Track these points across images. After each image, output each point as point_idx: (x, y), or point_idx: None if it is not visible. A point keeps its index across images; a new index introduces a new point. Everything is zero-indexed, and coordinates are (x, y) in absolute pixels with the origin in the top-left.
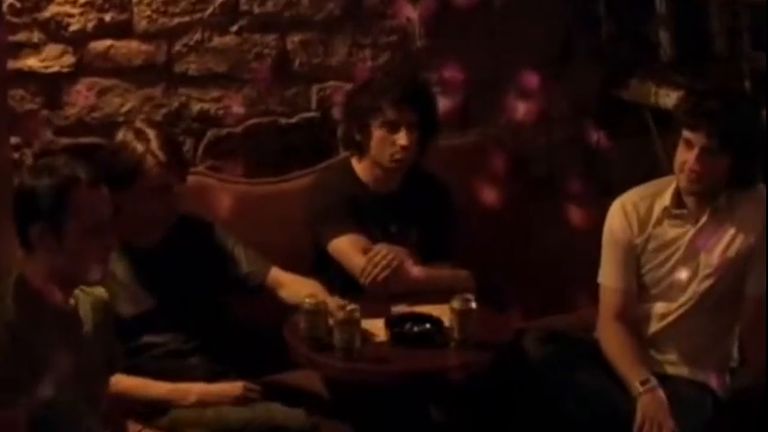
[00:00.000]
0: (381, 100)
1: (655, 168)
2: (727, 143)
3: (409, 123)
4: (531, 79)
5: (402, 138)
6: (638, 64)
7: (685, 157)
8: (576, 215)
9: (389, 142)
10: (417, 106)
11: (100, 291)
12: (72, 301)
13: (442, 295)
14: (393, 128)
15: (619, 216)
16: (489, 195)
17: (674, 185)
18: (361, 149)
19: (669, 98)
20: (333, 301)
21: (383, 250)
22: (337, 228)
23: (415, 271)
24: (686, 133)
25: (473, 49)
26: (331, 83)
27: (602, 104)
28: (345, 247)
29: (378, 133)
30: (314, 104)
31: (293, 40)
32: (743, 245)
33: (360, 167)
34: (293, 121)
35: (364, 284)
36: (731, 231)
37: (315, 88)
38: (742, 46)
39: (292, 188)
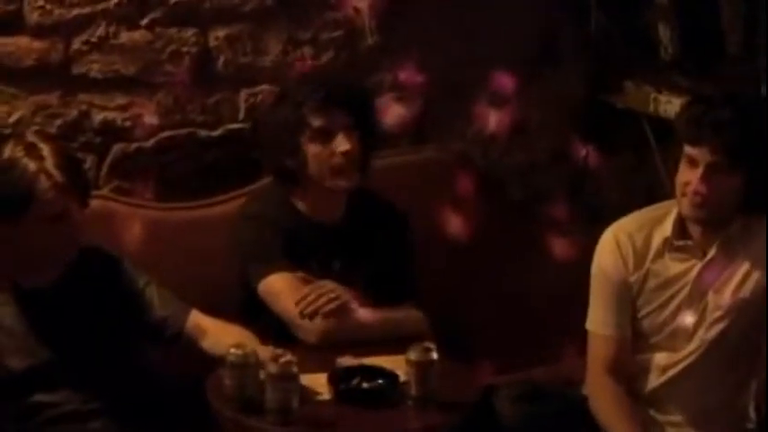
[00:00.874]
0: (304, 109)
1: (654, 190)
2: (738, 159)
3: (345, 126)
4: (506, 82)
5: (341, 143)
6: (634, 64)
7: (688, 176)
8: (559, 247)
9: (327, 154)
10: (349, 107)
11: None
12: None
13: (397, 344)
14: (326, 136)
15: (611, 249)
16: (454, 223)
17: (676, 211)
18: (294, 178)
19: (671, 105)
20: (265, 352)
21: (329, 284)
22: (269, 265)
23: (362, 314)
24: (688, 148)
25: (435, 46)
26: (263, 87)
27: (591, 113)
28: (279, 287)
29: (311, 149)
30: (242, 114)
31: (217, 35)
32: (760, 282)
33: (296, 192)
34: (217, 133)
35: (314, 332)
36: (746, 266)
37: (243, 94)
38: (759, 43)
39: (215, 215)
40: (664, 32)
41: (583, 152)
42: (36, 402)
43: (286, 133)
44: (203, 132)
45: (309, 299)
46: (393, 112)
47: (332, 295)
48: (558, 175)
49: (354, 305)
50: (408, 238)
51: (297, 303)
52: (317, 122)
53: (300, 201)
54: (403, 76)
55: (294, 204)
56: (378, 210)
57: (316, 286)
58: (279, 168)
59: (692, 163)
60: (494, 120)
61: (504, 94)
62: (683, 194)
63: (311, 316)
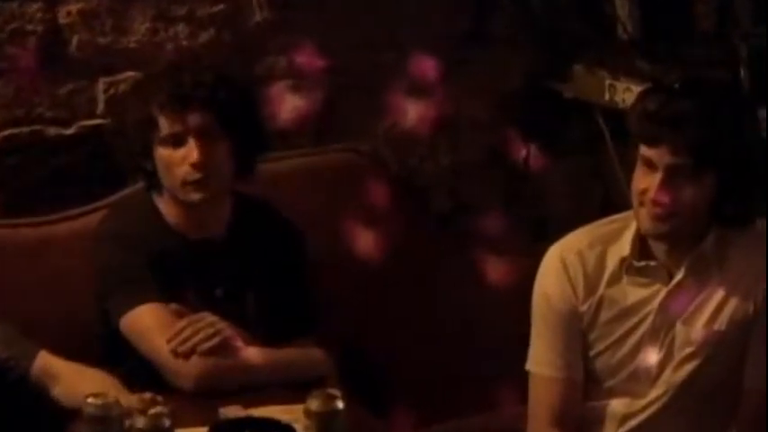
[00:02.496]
0: (151, 107)
1: (611, 199)
2: (705, 159)
3: (198, 131)
4: (427, 68)
5: (191, 152)
6: (585, 45)
7: (645, 183)
8: (493, 270)
9: (176, 162)
10: (206, 106)
11: None
12: None
13: (294, 390)
14: (176, 142)
15: (556, 272)
16: (365, 241)
17: (634, 226)
18: (153, 181)
19: (630, 94)
20: (131, 402)
21: (209, 317)
22: (135, 295)
23: (249, 353)
24: (644, 149)
25: (339, 24)
26: (126, 75)
27: (532, 104)
28: (147, 322)
29: (160, 154)
30: (101, 107)
31: (69, 10)
32: (738, 311)
33: (164, 204)
34: (70, 132)
35: (188, 378)
36: (720, 291)
37: (102, 83)
38: (737, 19)
39: (69, 233)
40: (621, 6)
41: (523, 152)
42: None
43: (135, 132)
44: (53, 131)
45: (184, 335)
46: (288, 105)
47: (211, 330)
48: (493, 182)
49: (239, 342)
50: (305, 259)
51: (169, 341)
52: (166, 123)
53: (172, 214)
54: (300, 60)
55: (165, 219)
56: (269, 225)
57: (192, 319)
58: (133, 167)
59: (650, 166)
60: (413, 114)
61: (425, 83)
62: (641, 204)
63: (187, 356)
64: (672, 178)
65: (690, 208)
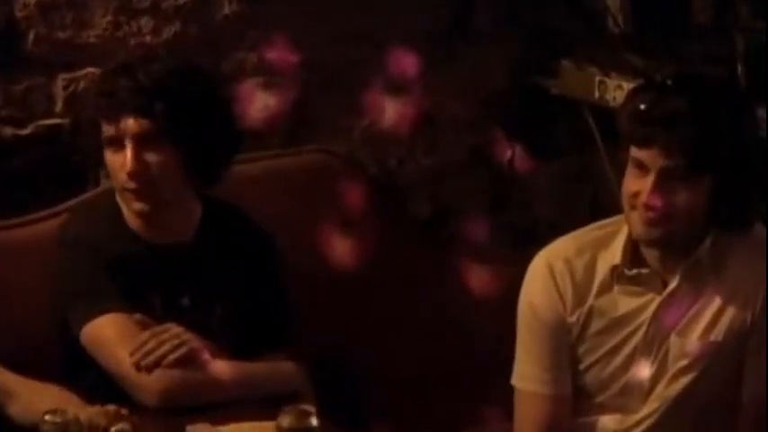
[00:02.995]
0: (96, 108)
1: (600, 203)
2: (700, 161)
3: (134, 137)
4: (406, 64)
5: (126, 160)
6: (574, 39)
7: (637, 186)
8: (476, 279)
9: (117, 168)
10: (141, 112)
11: None
12: None
13: (264, 405)
14: (115, 146)
15: (543, 280)
16: (340, 248)
17: (625, 231)
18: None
19: (621, 91)
20: (92, 414)
21: (174, 327)
22: (94, 304)
23: (217, 366)
24: (635, 150)
25: (313, 18)
26: (87, 71)
27: (518, 102)
28: (108, 333)
29: (106, 156)
30: (59, 105)
31: (25, 2)
32: (736, 321)
33: (126, 209)
34: (26, 132)
35: (151, 393)
36: (717, 300)
37: (61, 80)
38: (735, 12)
39: (24, 239)
40: None
41: (508, 153)
42: None
43: (88, 132)
44: (8, 130)
45: (147, 347)
46: (258, 104)
47: (176, 341)
48: (476, 184)
49: (206, 355)
50: (277, 267)
51: (132, 354)
52: (107, 129)
53: (134, 219)
54: (271, 55)
55: (128, 224)
56: (238, 231)
57: (155, 331)
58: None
59: (641, 168)
60: (391, 113)
61: (404, 80)
62: (633, 208)
63: (150, 369)
64: (665, 181)
65: (684, 212)
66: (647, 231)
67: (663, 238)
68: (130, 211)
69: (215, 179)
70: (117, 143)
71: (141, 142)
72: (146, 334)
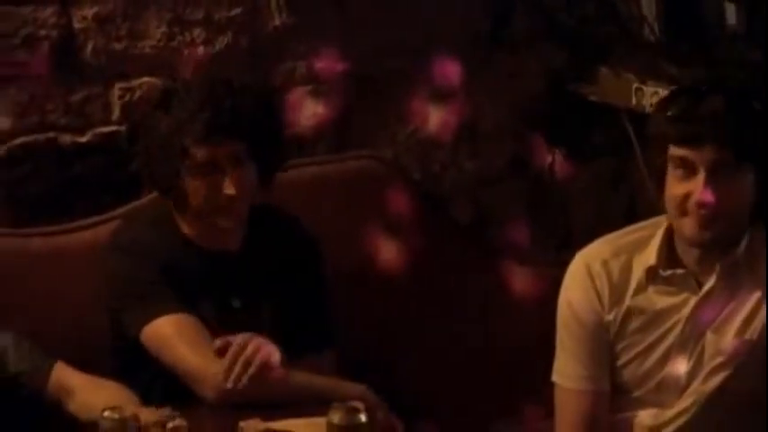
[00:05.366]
0: (184, 137)
1: (637, 206)
2: (745, 154)
3: (234, 159)
4: (449, 72)
5: (228, 184)
6: (611, 47)
7: (685, 188)
8: (518, 280)
9: (211, 191)
10: (243, 132)
11: None
12: None
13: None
14: (211, 170)
15: (582, 281)
16: (385, 252)
17: (661, 234)
18: (177, 199)
19: (658, 97)
20: (148, 416)
21: (254, 339)
22: (152, 306)
23: (279, 373)
24: (681, 151)
25: (360, 27)
26: (142, 80)
27: (557, 109)
28: (169, 332)
29: (191, 183)
30: (116, 114)
31: (83, 14)
32: None
33: (181, 217)
34: (84, 139)
35: (214, 389)
36: (752, 299)
37: (117, 89)
38: (766, 18)
39: (83, 243)
40: (648, 6)
41: (547, 159)
42: None
43: (163, 156)
44: (67, 138)
45: (235, 369)
46: (307, 111)
47: (261, 354)
48: (517, 190)
49: (276, 362)
50: (322, 271)
51: (225, 377)
52: (200, 154)
53: (190, 226)
54: (320, 65)
55: (180, 229)
56: (285, 236)
57: (237, 347)
58: (156, 183)
59: (689, 169)
60: (434, 120)
61: (447, 87)
62: (683, 214)
63: (239, 380)
64: (714, 176)
65: (734, 207)
66: (701, 233)
67: (714, 239)
68: (213, 227)
69: (273, 182)
70: (210, 168)
71: (237, 164)
72: (230, 354)
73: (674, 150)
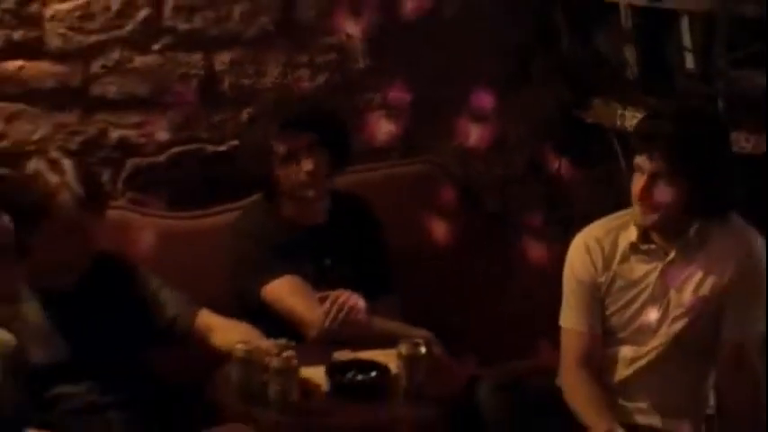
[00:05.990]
0: (269, 137)
1: (621, 199)
2: (678, 167)
3: (307, 147)
4: (484, 100)
5: (305, 163)
6: (602, 83)
7: (637, 186)
8: (534, 252)
9: (294, 173)
10: (311, 128)
11: (7, 337)
12: None
13: (388, 339)
14: (292, 158)
15: (580, 253)
16: (437, 231)
17: None
18: (270, 190)
19: (636, 120)
20: (268, 347)
21: (344, 292)
22: (268, 271)
23: (367, 320)
24: (636, 158)
25: (420, 67)
26: (266, 105)
27: (563, 128)
28: (283, 290)
29: (281, 172)
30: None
31: (222, 59)
32: (717, 282)
33: (282, 203)
34: (221, 149)
35: (316, 329)
36: (704, 267)
37: (245, 112)
38: (716, 63)
39: (220, 223)
40: (629, 54)
41: (556, 164)
42: (57, 394)
43: (257, 159)
44: (209, 148)
45: (332, 312)
46: (382, 129)
47: (350, 302)
48: (534, 187)
49: (363, 311)
50: (383, 238)
51: (324, 319)
52: (282, 148)
53: (289, 210)
54: (391, 95)
55: (282, 213)
56: (355, 211)
57: (334, 298)
58: (255, 180)
59: (640, 171)
60: (474, 135)
61: (482, 111)
62: (635, 202)
63: (335, 321)
64: (653, 180)
65: (667, 204)
66: (644, 219)
67: (656, 224)
68: (304, 206)
69: (342, 170)
70: (292, 156)
71: (311, 150)
72: (328, 302)
73: (636, 158)
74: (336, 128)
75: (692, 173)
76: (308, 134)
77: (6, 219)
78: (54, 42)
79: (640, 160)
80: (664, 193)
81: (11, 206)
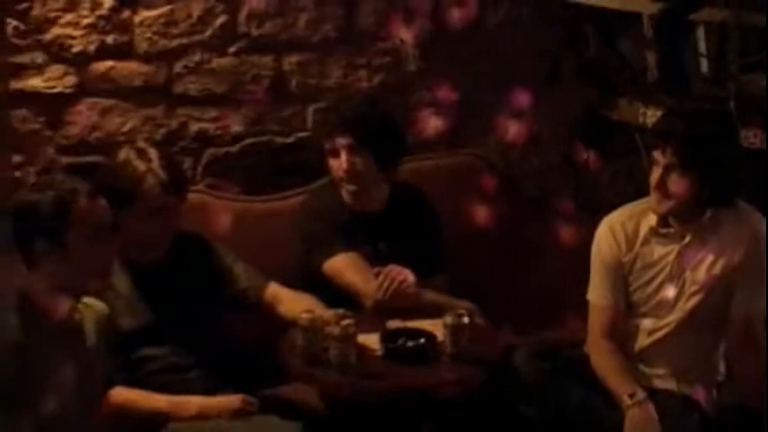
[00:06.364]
0: (321, 132)
1: (642, 188)
2: (689, 161)
3: (346, 147)
4: (522, 99)
5: (343, 162)
6: (626, 85)
7: (654, 177)
8: (565, 234)
9: (336, 168)
10: (349, 130)
11: (101, 306)
12: (78, 316)
13: (436, 310)
14: (334, 154)
15: (606, 235)
16: (480, 215)
17: None
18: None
19: (656, 118)
20: (329, 316)
21: (396, 268)
22: (330, 249)
23: (414, 291)
24: (654, 152)
25: (465, 69)
26: (326, 104)
27: (591, 124)
28: (342, 265)
29: (329, 161)
30: (309, 124)
31: (290, 61)
32: (728, 263)
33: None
34: (289, 140)
35: (371, 300)
36: (716, 250)
37: (311, 108)
38: (728, 68)
39: (288, 206)
40: (650, 59)
41: (584, 157)
42: (142, 356)
43: (318, 149)
44: (279, 140)
45: (385, 285)
46: (431, 124)
47: (401, 277)
48: (565, 176)
49: (412, 281)
50: (436, 222)
51: (376, 290)
52: (327, 144)
53: (347, 197)
54: (439, 94)
55: (344, 199)
56: (412, 200)
57: (387, 272)
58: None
59: (657, 164)
60: (512, 130)
61: (520, 109)
62: (652, 191)
63: (387, 292)
64: (666, 173)
65: (679, 194)
66: (658, 206)
67: (669, 211)
68: (345, 191)
69: (395, 169)
70: (335, 153)
71: (348, 151)
72: (382, 276)
73: (653, 152)
74: (378, 132)
75: (701, 166)
76: (347, 136)
77: (103, 201)
78: (142, 46)
79: (657, 154)
80: (676, 184)
81: (105, 190)
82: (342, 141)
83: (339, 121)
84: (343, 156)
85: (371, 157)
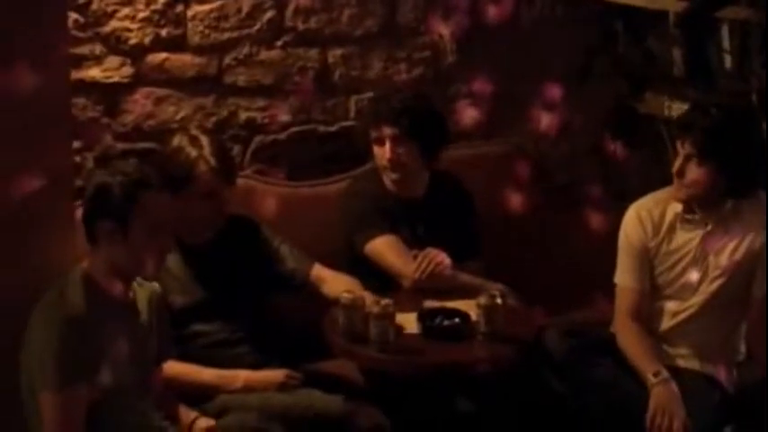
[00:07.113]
0: (367, 121)
1: (668, 176)
2: (706, 153)
3: (391, 137)
4: (554, 92)
5: (386, 151)
6: (652, 79)
7: (675, 165)
8: (594, 220)
9: (380, 156)
10: (396, 121)
11: (154, 285)
12: (131, 294)
13: (470, 291)
14: (379, 143)
15: (634, 221)
16: (514, 201)
17: None
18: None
19: (681, 111)
20: (369, 297)
21: (433, 251)
22: (373, 231)
23: (451, 273)
24: (677, 143)
25: (500, 63)
26: (368, 94)
27: (619, 116)
28: (383, 247)
29: (374, 151)
30: (352, 114)
31: (334, 54)
32: (749, 249)
33: (385, 176)
34: (333, 129)
35: (409, 280)
36: (738, 236)
37: (353, 99)
38: (751, 64)
39: (332, 192)
40: (676, 55)
41: (613, 147)
42: (194, 331)
43: (363, 133)
44: (322, 128)
45: (422, 266)
46: (468, 115)
47: (438, 259)
48: (594, 165)
49: (448, 264)
50: (475, 211)
51: (414, 271)
52: (373, 134)
53: (390, 183)
54: (476, 86)
55: (386, 185)
56: (451, 187)
57: (424, 255)
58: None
59: (678, 154)
60: (545, 121)
61: (552, 101)
62: (674, 179)
63: (424, 272)
64: (687, 163)
65: (696, 182)
66: (677, 193)
67: (687, 198)
68: (387, 178)
69: (437, 158)
70: (380, 141)
71: (393, 140)
72: (420, 257)
73: (677, 143)
74: (423, 125)
75: (718, 157)
76: (393, 127)
77: (168, 196)
78: (194, 38)
79: (679, 144)
80: (693, 173)
81: (159, 175)
82: (388, 131)
83: (387, 111)
84: (388, 145)
85: (415, 148)
